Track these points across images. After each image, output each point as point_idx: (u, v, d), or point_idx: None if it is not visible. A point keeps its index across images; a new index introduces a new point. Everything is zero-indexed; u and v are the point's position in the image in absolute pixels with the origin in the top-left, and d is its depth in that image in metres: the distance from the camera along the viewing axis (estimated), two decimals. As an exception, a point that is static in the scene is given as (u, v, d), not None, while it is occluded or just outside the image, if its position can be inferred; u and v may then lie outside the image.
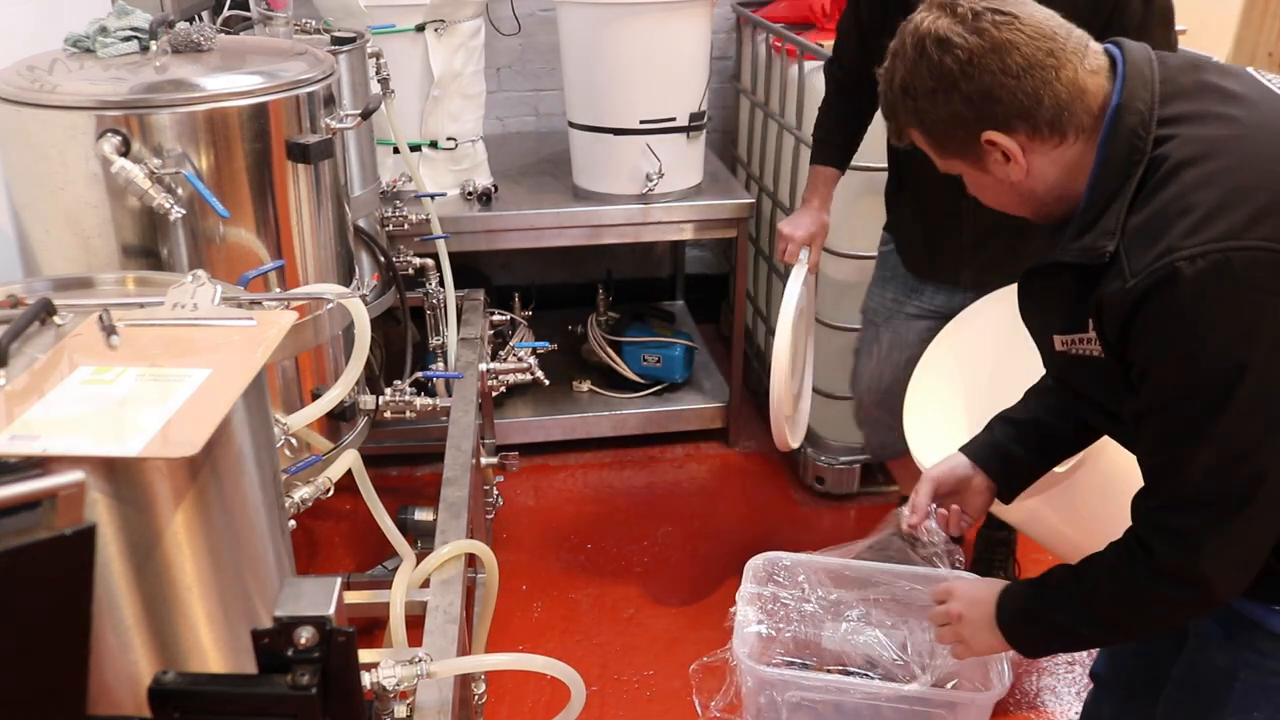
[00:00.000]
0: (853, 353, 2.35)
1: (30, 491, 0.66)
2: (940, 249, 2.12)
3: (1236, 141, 1.10)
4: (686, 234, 2.86)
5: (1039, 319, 1.30)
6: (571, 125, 2.90)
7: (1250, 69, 1.22)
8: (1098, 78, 1.18)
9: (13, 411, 0.80)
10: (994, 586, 1.41)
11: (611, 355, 3.15)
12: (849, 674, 1.92)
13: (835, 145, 2.20)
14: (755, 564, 1.84)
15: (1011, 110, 1.17)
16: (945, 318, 2.19)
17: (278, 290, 1.56)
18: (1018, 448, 1.48)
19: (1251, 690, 1.25)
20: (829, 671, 1.95)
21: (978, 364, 1.98)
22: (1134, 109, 1.15)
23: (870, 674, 1.98)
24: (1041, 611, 1.33)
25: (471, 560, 1.68)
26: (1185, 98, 1.15)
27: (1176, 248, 1.06)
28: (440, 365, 2.42)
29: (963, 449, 1.54)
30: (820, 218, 2.18)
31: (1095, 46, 1.21)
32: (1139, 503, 1.21)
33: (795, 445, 2.19)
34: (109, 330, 0.92)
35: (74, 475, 0.69)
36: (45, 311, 0.96)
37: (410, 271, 2.47)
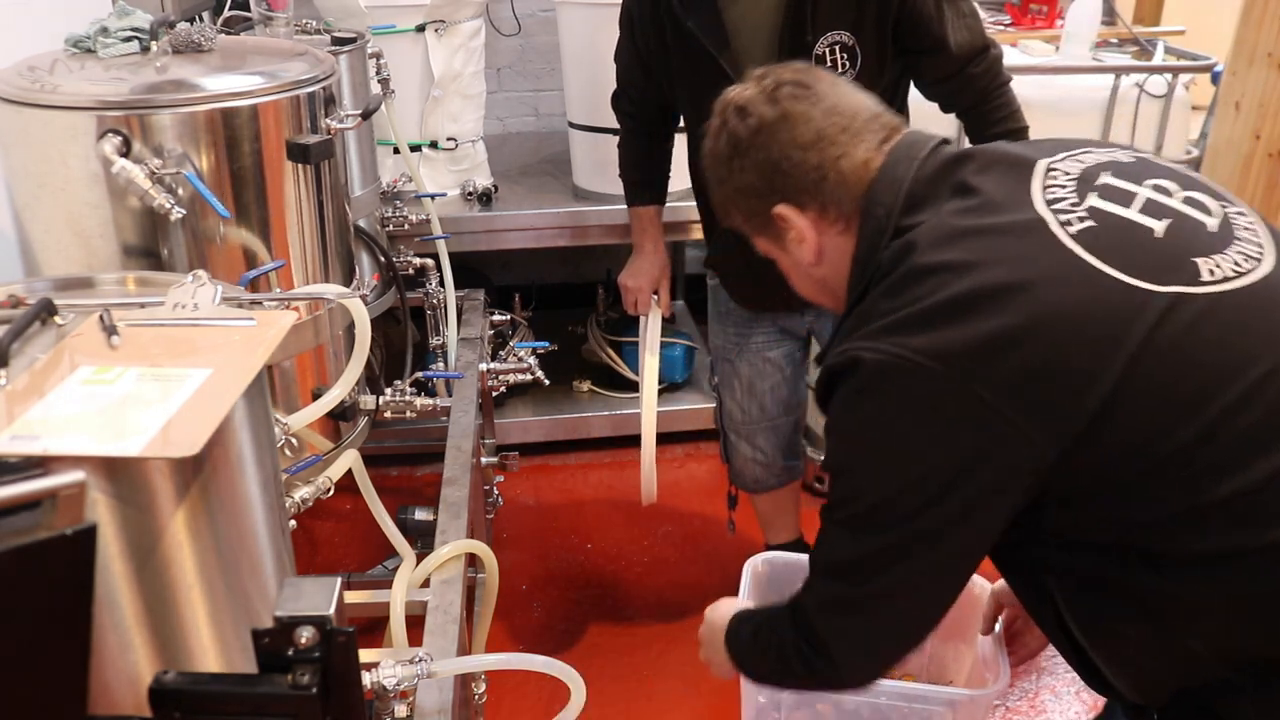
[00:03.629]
0: (713, 388, 2.30)
1: (30, 491, 0.66)
2: (766, 278, 1.98)
3: (941, 247, 1.04)
4: (686, 234, 2.86)
5: None
6: (571, 125, 2.91)
7: (1043, 163, 1.11)
8: (874, 168, 1.14)
9: (13, 411, 0.80)
10: (736, 605, 1.39)
11: (611, 355, 3.15)
12: None
13: (648, 183, 2.17)
14: (754, 564, 1.84)
15: (799, 184, 1.15)
16: (798, 337, 2.15)
17: (278, 290, 1.56)
18: None
19: None
20: None
21: None
22: (873, 214, 1.12)
23: None
24: (747, 639, 1.31)
25: (471, 560, 1.68)
26: (926, 203, 1.10)
27: (833, 351, 1.07)
28: (440, 365, 2.42)
29: None
30: (658, 260, 2.15)
31: (897, 135, 1.17)
32: None
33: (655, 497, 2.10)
34: (110, 330, 0.92)
35: (74, 475, 0.69)
36: (46, 311, 0.96)
37: (410, 271, 2.47)
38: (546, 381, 2.38)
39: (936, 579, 1.09)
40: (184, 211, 1.41)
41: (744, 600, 1.52)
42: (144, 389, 0.85)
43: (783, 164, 1.15)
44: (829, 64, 1.76)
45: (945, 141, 1.18)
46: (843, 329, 1.12)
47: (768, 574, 1.88)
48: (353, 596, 1.60)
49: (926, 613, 1.13)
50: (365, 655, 1.28)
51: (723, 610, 1.40)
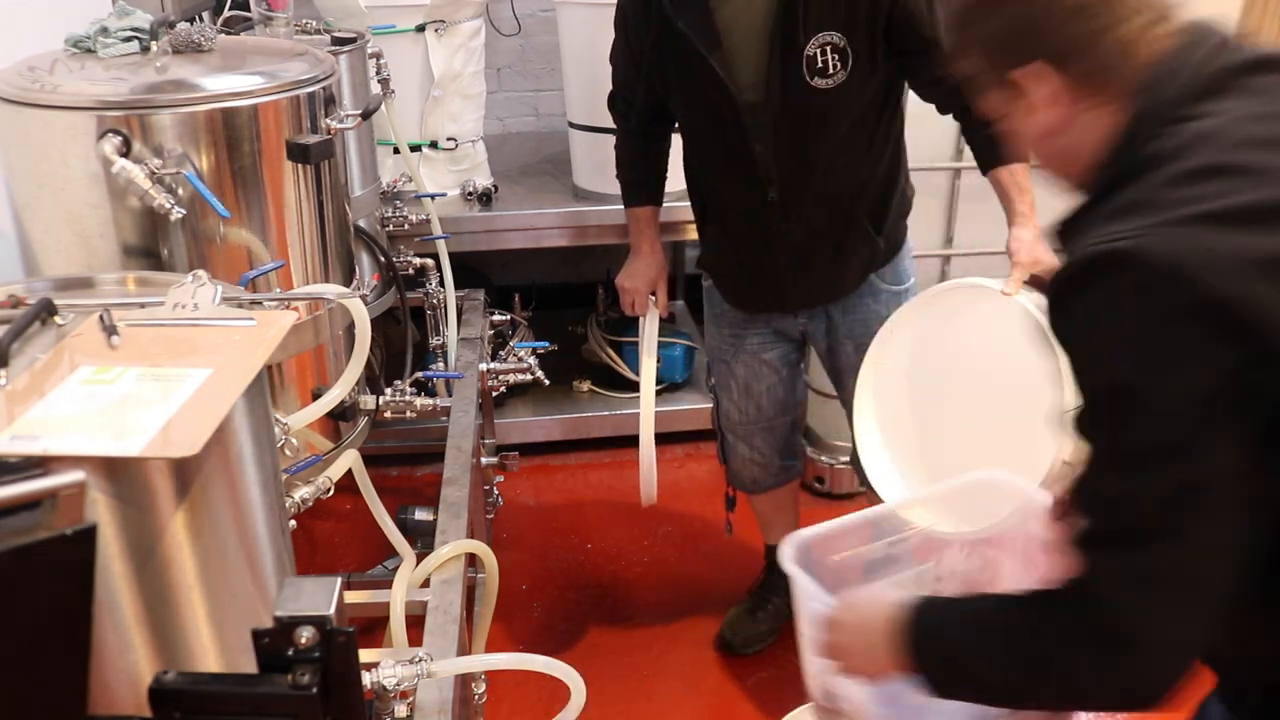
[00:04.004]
0: (709, 389, 2.31)
1: (31, 491, 0.66)
2: (758, 279, 2.04)
3: (1241, 147, 0.93)
4: (686, 234, 2.86)
5: None
6: (571, 125, 2.91)
7: None
8: (1159, 46, 1.00)
9: (13, 411, 0.80)
10: (875, 593, 1.20)
11: (611, 355, 3.15)
12: None
13: (644, 183, 2.17)
14: (794, 551, 1.64)
15: (1060, 46, 1.02)
16: (793, 339, 2.15)
17: (278, 290, 1.56)
18: None
19: None
20: None
21: (922, 373, 1.78)
22: (1158, 94, 0.99)
23: None
24: (963, 639, 1.05)
25: (471, 560, 1.68)
26: (1216, 97, 0.98)
27: (1097, 236, 0.92)
28: (440, 365, 2.42)
29: None
30: (655, 261, 2.14)
31: (1179, 13, 1.02)
32: None
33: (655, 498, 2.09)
34: (110, 330, 0.92)
35: (74, 475, 0.69)
36: (46, 311, 0.97)
37: (410, 271, 2.47)
38: (546, 381, 2.38)
39: (1234, 517, 0.90)
40: (184, 211, 1.41)
41: (873, 590, 1.28)
42: (144, 389, 0.85)
43: (1043, 20, 1.02)
44: (820, 64, 1.76)
45: (1228, 41, 1.05)
46: (1090, 218, 0.99)
47: (811, 557, 1.69)
48: (353, 596, 1.60)
49: (1229, 570, 0.92)
50: (365, 655, 1.28)
51: (871, 604, 1.15)
